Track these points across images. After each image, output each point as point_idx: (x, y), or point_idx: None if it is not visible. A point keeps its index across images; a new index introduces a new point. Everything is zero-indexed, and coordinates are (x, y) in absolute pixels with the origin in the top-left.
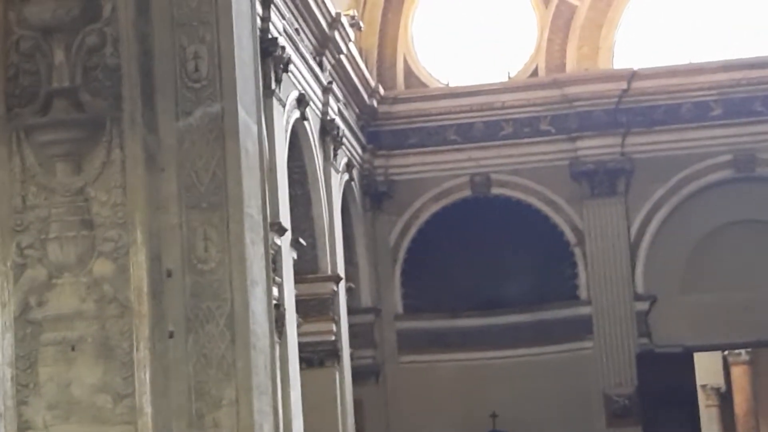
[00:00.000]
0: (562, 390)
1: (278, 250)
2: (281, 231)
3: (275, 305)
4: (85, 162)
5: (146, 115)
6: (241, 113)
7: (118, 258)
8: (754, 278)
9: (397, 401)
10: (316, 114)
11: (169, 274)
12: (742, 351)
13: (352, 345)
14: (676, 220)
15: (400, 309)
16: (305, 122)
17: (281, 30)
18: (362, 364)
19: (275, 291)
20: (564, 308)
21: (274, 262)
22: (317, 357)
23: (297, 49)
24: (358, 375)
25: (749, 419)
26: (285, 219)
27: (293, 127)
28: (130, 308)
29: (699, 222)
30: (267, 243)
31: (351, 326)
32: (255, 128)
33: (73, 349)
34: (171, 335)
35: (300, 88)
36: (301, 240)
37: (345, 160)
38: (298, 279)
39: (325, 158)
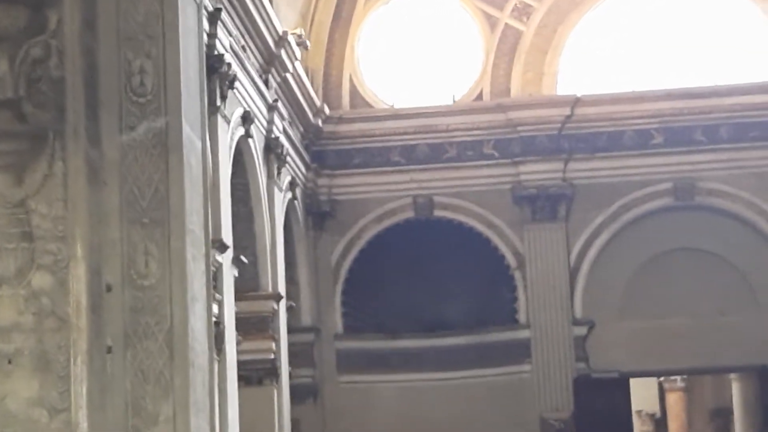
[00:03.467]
0: (501, 413)
1: (219, 267)
2: (223, 248)
3: (215, 322)
4: (26, 174)
5: (90, 128)
6: (186, 129)
7: (57, 271)
8: (691, 306)
9: (335, 421)
10: (261, 132)
11: (109, 289)
12: (678, 378)
13: (291, 364)
14: (616, 246)
15: (340, 329)
16: (249, 140)
17: (228, 47)
18: (301, 383)
19: (215, 308)
20: (503, 331)
21: (215, 279)
22: (256, 375)
23: (243, 66)
24: (296, 394)
25: None
26: (227, 236)
27: (237, 144)
28: (68, 322)
29: (638, 249)
30: (208, 259)
31: (290, 345)
32: (199, 144)
33: (9, 362)
34: (109, 350)
35: (245, 106)
36: (243, 257)
37: (289, 178)
38: (239, 296)
39: (269, 176)
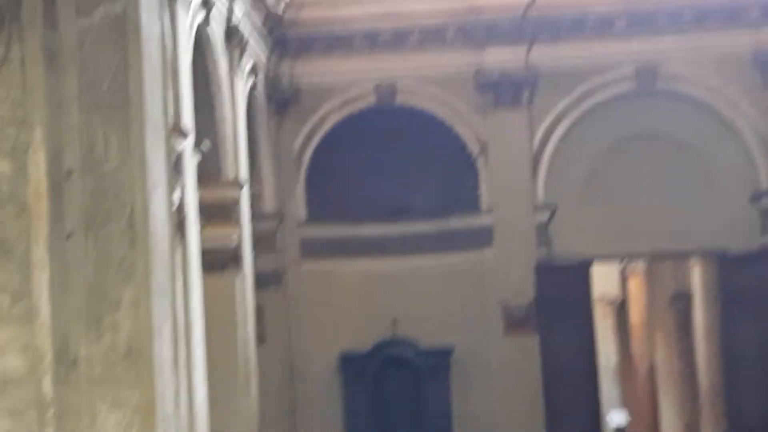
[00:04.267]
0: (462, 298)
1: (181, 153)
2: (184, 134)
3: (177, 209)
4: None
5: (46, 12)
6: (144, 14)
7: (16, 157)
8: (653, 191)
9: (298, 307)
10: (221, 18)
11: (69, 175)
12: (639, 262)
13: (254, 251)
14: (579, 131)
15: (303, 216)
16: (210, 26)
17: None
18: (264, 269)
19: (177, 195)
20: (465, 218)
21: (177, 165)
22: (219, 262)
23: None
24: (260, 281)
25: (643, 329)
26: (188, 123)
27: (198, 31)
28: (28, 208)
29: (600, 134)
30: (169, 145)
31: (254, 232)
32: (158, 30)
33: None
34: (70, 236)
35: None
36: (205, 144)
37: (250, 65)
38: (201, 183)
39: (230, 63)
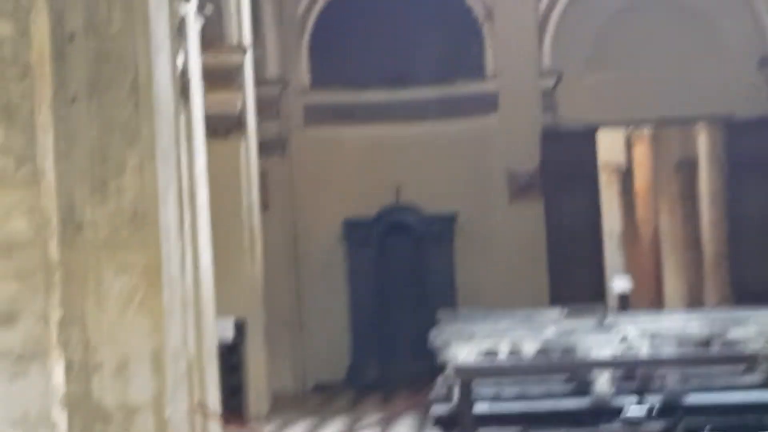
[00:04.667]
0: (467, 165)
1: (184, 17)
2: None
3: (180, 73)
4: None
5: None
6: None
7: (18, 19)
8: (660, 56)
9: (302, 173)
10: None
11: (72, 38)
12: (645, 129)
13: (258, 117)
14: None
15: (307, 81)
16: None
17: None
18: (268, 136)
19: (180, 59)
20: (471, 83)
21: (180, 29)
22: (223, 127)
23: None
24: (263, 147)
25: (648, 196)
26: None
27: None
28: (31, 71)
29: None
30: (172, 9)
31: (257, 98)
32: None
33: None
34: (74, 99)
35: None
36: (208, 8)
37: None
38: (204, 48)
39: None
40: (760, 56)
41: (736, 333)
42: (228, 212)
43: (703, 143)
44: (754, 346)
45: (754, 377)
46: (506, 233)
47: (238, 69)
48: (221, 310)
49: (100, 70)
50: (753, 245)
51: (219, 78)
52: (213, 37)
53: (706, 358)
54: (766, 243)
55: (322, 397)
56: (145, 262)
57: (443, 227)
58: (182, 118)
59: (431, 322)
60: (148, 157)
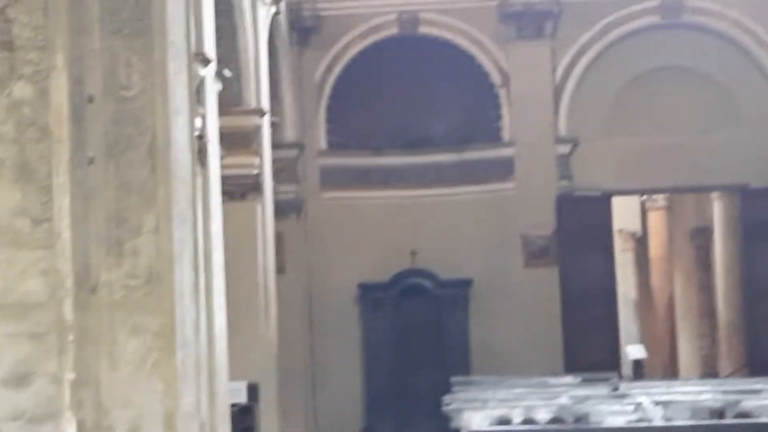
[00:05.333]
0: (483, 230)
1: (202, 80)
2: (205, 61)
3: (198, 136)
4: None
5: None
6: None
7: (38, 81)
8: (675, 124)
9: (318, 236)
10: None
11: (91, 100)
12: (660, 196)
13: (274, 179)
14: (602, 64)
15: (324, 145)
16: None
17: None
18: (285, 198)
19: (198, 122)
20: (487, 149)
21: (198, 92)
22: (239, 190)
23: None
24: (280, 209)
25: (663, 263)
26: (210, 49)
27: None
28: (49, 132)
29: (624, 67)
30: (191, 72)
31: (274, 161)
32: None
33: None
34: (91, 161)
35: None
36: (226, 71)
37: None
38: (222, 111)
39: None
40: None
41: (749, 404)
42: (243, 274)
43: (718, 211)
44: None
45: None
46: (521, 298)
47: (256, 132)
48: (235, 372)
49: (118, 133)
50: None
51: (237, 140)
52: (231, 100)
53: (719, 428)
54: None
55: None
56: (159, 324)
57: (459, 291)
58: (199, 180)
59: (446, 386)
60: (164, 219)
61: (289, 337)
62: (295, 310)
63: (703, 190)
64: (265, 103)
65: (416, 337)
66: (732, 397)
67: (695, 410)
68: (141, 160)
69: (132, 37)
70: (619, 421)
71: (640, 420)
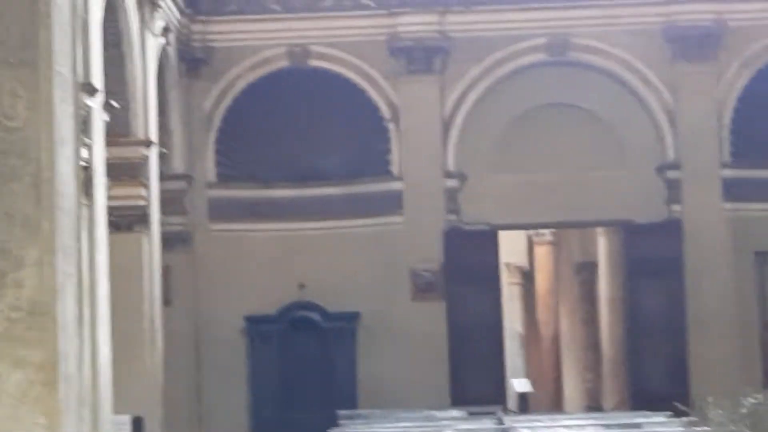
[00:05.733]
0: (371, 263)
1: (89, 111)
2: (93, 91)
3: (84, 167)
4: None
5: None
6: None
7: None
8: (562, 161)
9: (205, 269)
10: None
11: None
12: (546, 231)
13: (162, 211)
14: (490, 100)
15: (212, 177)
16: None
17: None
18: (172, 230)
19: (85, 152)
20: (376, 183)
21: (85, 123)
22: (126, 221)
23: None
24: (167, 242)
25: (549, 298)
26: (97, 79)
27: None
28: None
29: (512, 103)
30: (77, 102)
31: (162, 192)
32: None
33: None
34: None
35: None
36: (114, 102)
37: (162, 23)
38: (110, 142)
39: (142, 20)
40: (659, 163)
41: None
42: (129, 307)
43: (602, 247)
44: None
45: None
46: (409, 332)
47: (144, 163)
48: (119, 405)
49: (2, 163)
50: (650, 348)
51: (124, 171)
52: (119, 130)
53: None
54: (663, 346)
55: None
56: (42, 357)
57: (347, 325)
58: (85, 211)
59: (333, 420)
60: (48, 251)
61: (175, 370)
62: (182, 343)
63: (588, 225)
64: (154, 134)
65: (304, 371)
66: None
67: None
68: (25, 192)
69: (17, 66)
70: None
71: None
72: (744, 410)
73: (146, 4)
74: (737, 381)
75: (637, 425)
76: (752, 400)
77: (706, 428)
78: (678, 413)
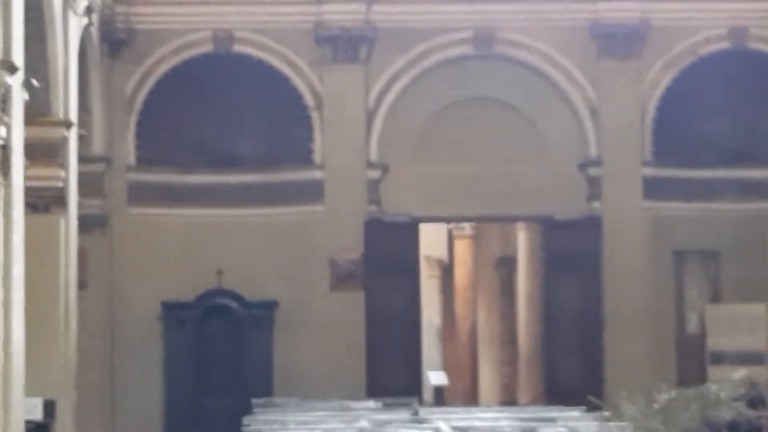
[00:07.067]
0: (290, 252)
1: (9, 89)
2: (12, 69)
3: (1, 146)
4: None
5: None
6: None
7: None
8: (483, 155)
9: (123, 253)
10: None
11: None
12: (467, 225)
13: (81, 193)
14: (414, 91)
15: (132, 160)
16: None
17: None
18: (90, 213)
19: (3, 131)
20: (297, 171)
21: (4, 101)
22: (43, 203)
23: None
24: (84, 224)
25: (468, 291)
26: (18, 57)
27: None
28: None
29: (436, 95)
30: None
31: (81, 174)
32: None
33: None
34: None
35: None
36: (34, 81)
37: (85, 3)
38: (28, 121)
39: (64, 0)
40: (581, 160)
41: (545, 431)
42: (44, 289)
43: (522, 241)
44: None
45: None
46: (326, 322)
47: (62, 144)
48: (31, 388)
49: None
50: (566, 343)
51: (42, 152)
52: (38, 110)
53: None
54: (579, 341)
55: None
56: None
57: (264, 313)
58: (1, 191)
59: (247, 408)
60: None
61: (89, 354)
62: (97, 326)
63: (508, 220)
64: (73, 115)
65: (219, 358)
66: (528, 425)
67: None
68: None
69: None
70: None
71: None
72: (657, 406)
73: None
74: (651, 378)
75: (552, 419)
76: (665, 396)
77: (620, 423)
78: (592, 408)
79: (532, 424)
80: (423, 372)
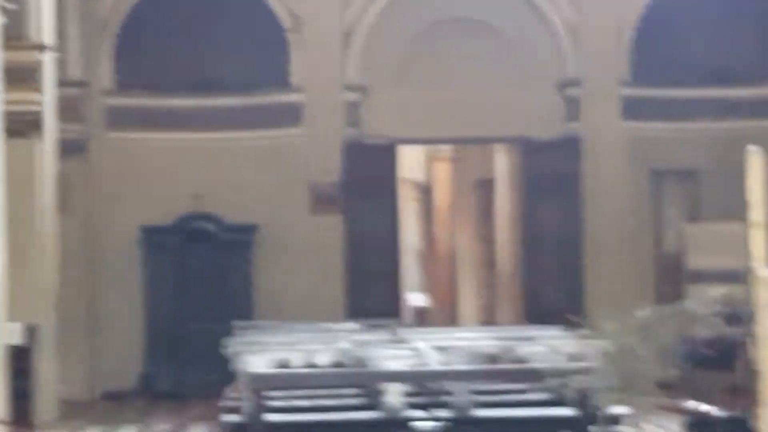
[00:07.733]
0: (270, 175)
1: None
2: None
3: None
4: None
5: None
6: None
7: None
8: (462, 77)
9: (102, 178)
10: None
11: None
12: (446, 147)
13: (58, 118)
14: (394, 12)
15: (110, 84)
16: None
17: None
18: (68, 138)
19: None
20: (275, 94)
21: None
22: (19, 127)
23: None
24: (62, 149)
25: (447, 214)
26: None
27: None
28: None
29: (416, 16)
30: None
31: (58, 99)
32: None
33: None
34: None
35: None
36: (8, 3)
37: None
38: (3, 45)
39: None
40: (558, 79)
41: (522, 350)
42: (22, 214)
43: (500, 164)
44: (540, 363)
45: (540, 394)
46: (306, 245)
47: (38, 68)
48: (11, 313)
49: None
50: (546, 265)
51: (17, 76)
52: (12, 33)
53: (493, 372)
54: (559, 263)
55: (113, 404)
56: None
57: (244, 237)
58: None
59: (228, 332)
60: None
61: (69, 279)
62: (76, 251)
63: (487, 141)
64: (48, 38)
65: (199, 282)
66: (507, 344)
67: (472, 355)
68: None
69: None
70: (397, 365)
71: (417, 364)
72: (636, 322)
73: None
74: (631, 297)
75: (530, 338)
76: (643, 314)
77: (598, 340)
78: (571, 327)
79: (511, 343)
80: (403, 294)
